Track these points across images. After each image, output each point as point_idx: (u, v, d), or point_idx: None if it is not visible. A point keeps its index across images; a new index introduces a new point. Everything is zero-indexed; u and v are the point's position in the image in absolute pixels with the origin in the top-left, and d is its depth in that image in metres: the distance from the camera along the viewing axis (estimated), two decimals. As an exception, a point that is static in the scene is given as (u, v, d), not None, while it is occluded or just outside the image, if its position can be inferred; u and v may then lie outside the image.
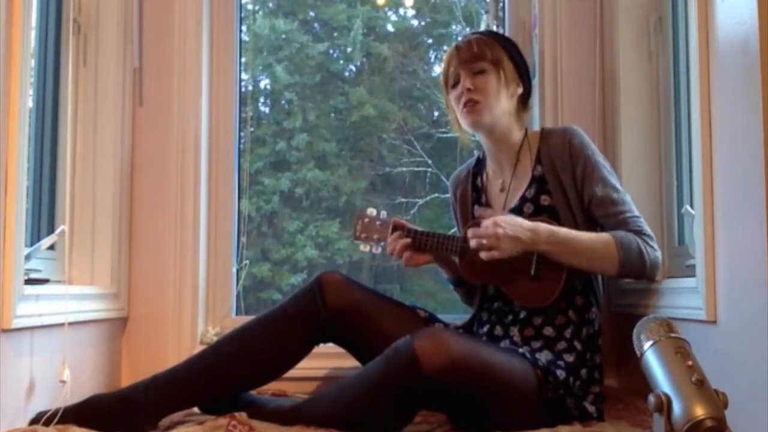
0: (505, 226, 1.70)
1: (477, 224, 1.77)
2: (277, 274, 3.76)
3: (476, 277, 1.86)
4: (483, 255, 1.72)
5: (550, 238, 1.71)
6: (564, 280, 1.74)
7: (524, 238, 1.70)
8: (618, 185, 1.81)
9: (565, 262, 1.72)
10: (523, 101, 1.92)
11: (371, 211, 1.93)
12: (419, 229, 1.89)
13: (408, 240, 1.87)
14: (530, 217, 1.80)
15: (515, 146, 1.89)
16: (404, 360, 1.52)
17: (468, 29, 3.95)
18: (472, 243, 1.74)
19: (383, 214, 1.93)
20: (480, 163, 2.01)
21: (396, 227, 1.90)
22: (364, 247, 1.94)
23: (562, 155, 1.82)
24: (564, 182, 1.81)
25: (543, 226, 1.72)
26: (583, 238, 1.72)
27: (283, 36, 3.97)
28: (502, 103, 1.85)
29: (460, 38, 1.96)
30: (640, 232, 1.74)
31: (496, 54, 1.85)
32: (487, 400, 1.58)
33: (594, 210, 1.79)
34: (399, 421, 1.60)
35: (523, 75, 1.90)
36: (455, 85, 1.88)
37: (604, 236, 1.73)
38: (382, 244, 1.92)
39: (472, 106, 1.83)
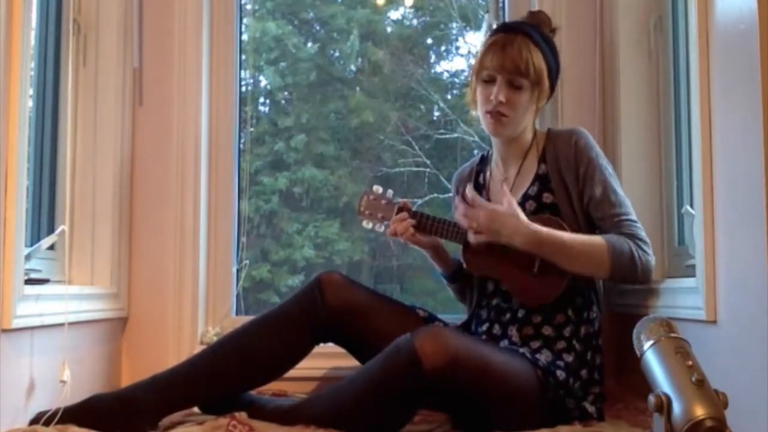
0: (492, 221, 1.72)
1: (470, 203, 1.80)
2: (276, 275, 3.76)
3: (478, 269, 1.85)
4: (469, 236, 1.77)
5: (535, 239, 1.70)
6: (567, 282, 1.74)
7: (508, 235, 1.72)
8: (618, 189, 1.80)
9: (555, 263, 1.72)
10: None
11: (377, 189, 1.94)
12: (424, 213, 1.90)
13: (412, 221, 1.87)
14: (532, 214, 1.80)
15: (525, 146, 1.90)
16: (405, 358, 1.52)
17: (467, 29, 3.94)
18: (463, 212, 1.77)
19: (389, 193, 1.93)
20: (484, 161, 2.01)
21: (401, 210, 1.90)
22: (366, 224, 1.95)
23: (567, 155, 1.82)
24: (567, 182, 1.81)
25: (531, 228, 1.71)
26: (573, 241, 1.72)
27: (281, 38, 3.96)
28: (527, 117, 1.85)
29: (496, 25, 1.91)
30: (633, 236, 1.73)
31: (539, 71, 1.79)
32: (488, 399, 1.58)
33: (592, 211, 1.80)
34: (399, 419, 1.60)
35: (554, 87, 1.89)
36: (488, 81, 1.82)
37: (597, 240, 1.72)
38: (385, 223, 1.93)
39: (498, 117, 1.81)
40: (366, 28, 4.01)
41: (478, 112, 1.87)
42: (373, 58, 3.98)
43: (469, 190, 1.80)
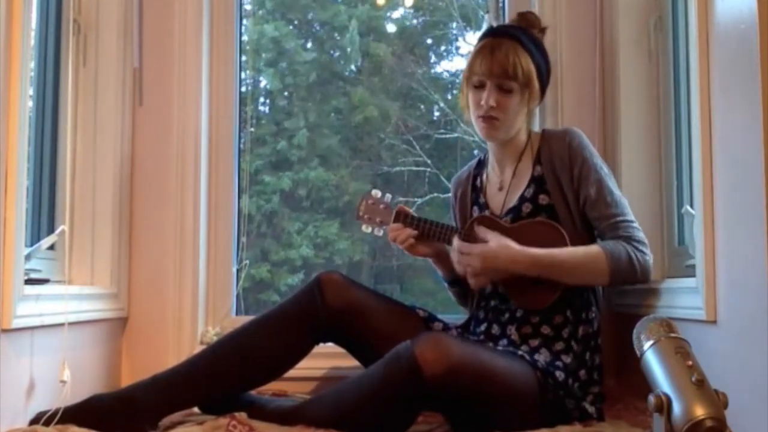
0: (487, 259, 1.72)
1: (469, 238, 1.80)
2: (276, 275, 3.76)
3: None
4: (470, 281, 1.77)
5: (533, 264, 1.71)
6: (560, 291, 1.75)
7: (506, 268, 1.72)
8: (614, 188, 1.80)
9: (555, 280, 1.73)
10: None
11: (376, 193, 1.95)
12: (422, 217, 1.90)
13: (415, 232, 1.88)
14: (529, 216, 1.80)
15: (519, 148, 1.90)
16: (405, 366, 1.52)
17: (467, 29, 3.95)
18: (457, 260, 1.77)
19: (387, 197, 1.95)
20: (481, 164, 2.02)
21: (399, 214, 1.90)
22: (366, 228, 1.97)
23: (562, 156, 1.82)
24: (563, 182, 1.81)
25: (527, 255, 1.71)
26: (569, 257, 1.72)
27: (280, 39, 3.97)
28: (519, 120, 1.85)
29: (490, 25, 1.89)
30: (629, 238, 1.73)
31: (528, 73, 1.80)
32: (489, 404, 1.59)
33: (588, 211, 1.80)
34: (401, 425, 1.60)
35: (545, 89, 1.89)
36: (478, 86, 1.83)
37: (593, 250, 1.73)
38: (384, 227, 1.94)
39: (490, 121, 1.82)
40: (366, 25, 4.02)
41: (471, 117, 1.88)
42: (373, 58, 3.98)
43: (455, 242, 1.80)
